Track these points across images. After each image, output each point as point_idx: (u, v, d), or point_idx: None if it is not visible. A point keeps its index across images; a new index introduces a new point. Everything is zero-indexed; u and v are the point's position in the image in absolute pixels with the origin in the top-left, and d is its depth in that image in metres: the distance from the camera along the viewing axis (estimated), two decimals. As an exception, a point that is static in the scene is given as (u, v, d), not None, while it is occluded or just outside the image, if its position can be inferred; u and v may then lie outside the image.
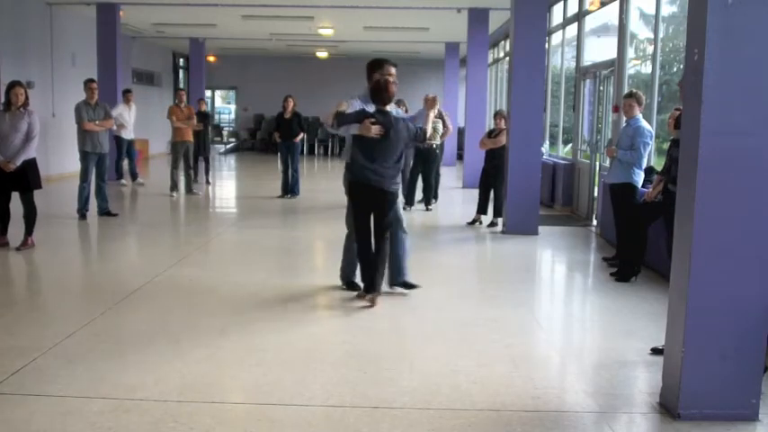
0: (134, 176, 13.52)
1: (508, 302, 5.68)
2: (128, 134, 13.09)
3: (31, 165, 7.18)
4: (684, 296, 3.44)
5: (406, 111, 9.46)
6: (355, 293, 5.67)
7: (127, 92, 13.34)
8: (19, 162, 7.02)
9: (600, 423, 3.51)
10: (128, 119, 13.05)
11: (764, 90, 3.33)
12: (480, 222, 9.49)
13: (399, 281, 5.75)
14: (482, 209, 9.55)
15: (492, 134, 9.60)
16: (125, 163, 13.52)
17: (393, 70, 5.59)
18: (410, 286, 5.76)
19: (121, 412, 3.45)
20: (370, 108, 5.41)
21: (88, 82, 9.31)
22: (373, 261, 5.45)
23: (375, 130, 5.29)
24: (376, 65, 5.62)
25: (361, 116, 5.34)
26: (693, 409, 3.48)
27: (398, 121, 5.47)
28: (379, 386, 3.85)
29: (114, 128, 13.15)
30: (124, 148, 13.17)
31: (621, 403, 3.75)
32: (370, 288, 5.44)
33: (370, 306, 5.36)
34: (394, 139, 5.37)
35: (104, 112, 9.24)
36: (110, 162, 9.78)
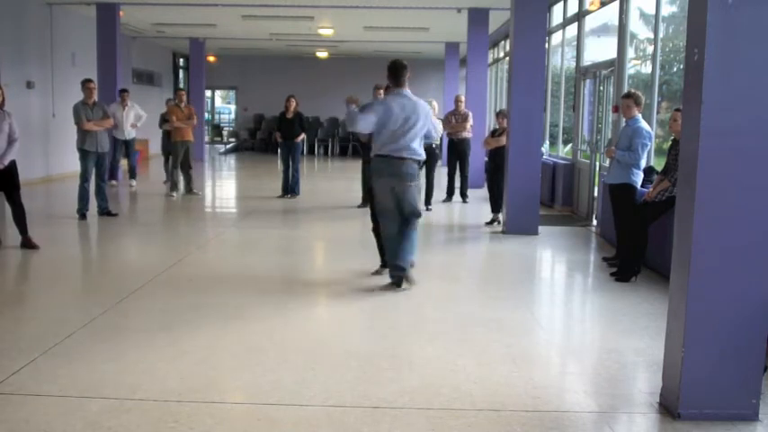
0: (132, 175, 13.44)
1: (508, 302, 5.67)
2: (120, 134, 12.85)
3: (14, 165, 7.21)
4: (684, 296, 3.44)
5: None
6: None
7: (122, 91, 13.17)
8: (7, 162, 7.05)
9: (600, 423, 3.51)
10: (120, 119, 12.80)
11: (764, 90, 3.33)
12: (499, 222, 9.46)
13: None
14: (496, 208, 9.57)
15: (495, 133, 9.68)
16: (123, 162, 13.45)
17: None
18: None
19: (121, 412, 3.45)
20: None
21: (86, 82, 9.27)
22: None
23: None
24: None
25: None
26: (693, 409, 3.48)
27: None
28: (379, 386, 3.85)
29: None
30: (117, 148, 13.00)
31: (621, 403, 3.75)
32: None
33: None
34: None
35: (102, 112, 9.24)
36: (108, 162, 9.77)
